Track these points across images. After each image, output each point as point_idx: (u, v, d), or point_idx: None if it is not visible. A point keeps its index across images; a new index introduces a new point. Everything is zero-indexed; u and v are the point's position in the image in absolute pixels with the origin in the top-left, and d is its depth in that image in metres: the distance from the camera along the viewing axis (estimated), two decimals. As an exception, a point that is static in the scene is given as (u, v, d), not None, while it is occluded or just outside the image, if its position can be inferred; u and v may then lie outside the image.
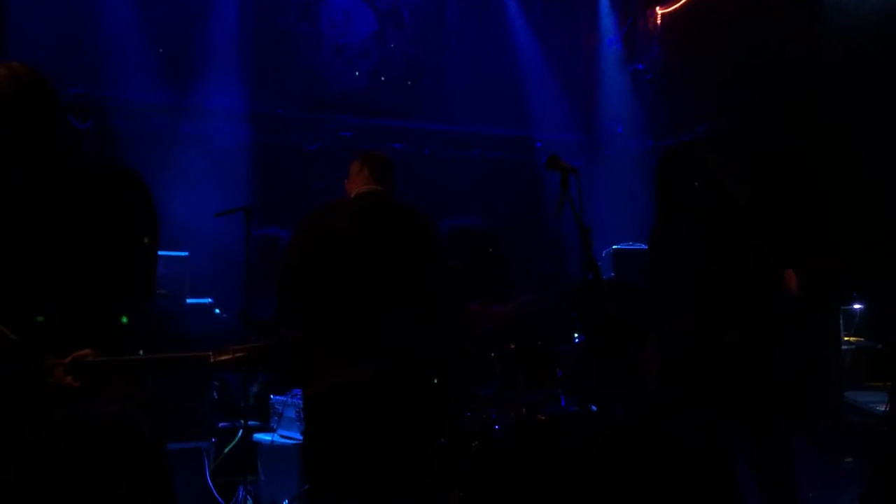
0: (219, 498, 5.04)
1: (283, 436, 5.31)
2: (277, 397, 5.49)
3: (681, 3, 7.37)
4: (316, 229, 3.57)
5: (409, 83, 7.63)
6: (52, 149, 2.74)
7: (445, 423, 3.44)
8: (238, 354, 2.68)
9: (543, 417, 4.68)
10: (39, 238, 2.67)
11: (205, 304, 5.53)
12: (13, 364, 2.56)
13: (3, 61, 2.70)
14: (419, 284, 3.47)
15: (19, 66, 2.68)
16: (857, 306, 5.87)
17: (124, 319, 2.73)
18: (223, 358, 2.68)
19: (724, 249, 3.78)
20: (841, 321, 5.97)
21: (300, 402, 5.22)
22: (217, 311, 5.53)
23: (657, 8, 7.63)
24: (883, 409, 5.35)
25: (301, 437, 4.95)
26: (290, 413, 5.34)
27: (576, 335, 5.44)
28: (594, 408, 4.77)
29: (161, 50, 6.62)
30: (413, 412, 3.36)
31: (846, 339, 5.96)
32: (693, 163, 3.92)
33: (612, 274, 6.27)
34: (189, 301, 5.45)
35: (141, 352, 2.73)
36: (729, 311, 3.73)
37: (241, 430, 5.10)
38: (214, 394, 5.36)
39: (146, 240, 2.81)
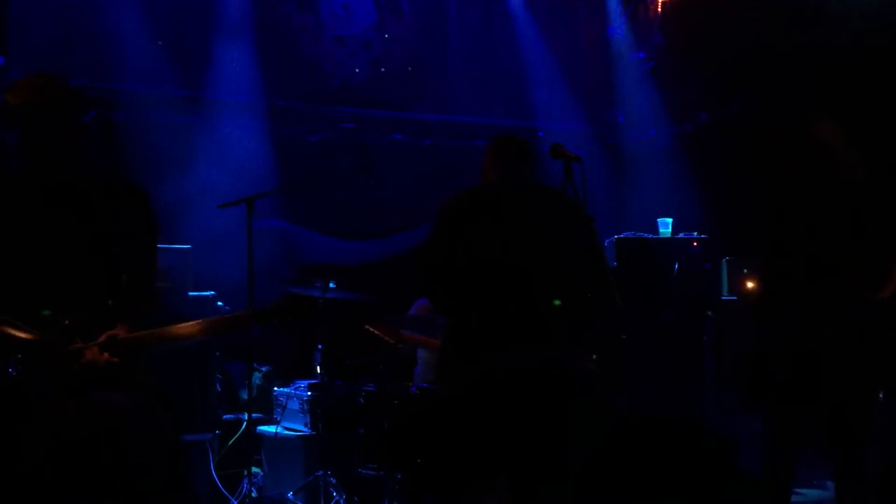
0: (223, 490, 5.04)
1: (286, 427, 5.31)
2: (281, 389, 5.49)
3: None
4: (464, 216, 3.50)
5: (411, 74, 7.60)
6: (73, 155, 2.83)
7: (607, 407, 3.38)
8: (276, 306, 2.87)
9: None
10: (52, 238, 2.75)
11: (207, 297, 5.52)
12: (40, 358, 2.63)
13: (17, 61, 2.87)
14: (574, 267, 3.41)
15: (55, 77, 2.86)
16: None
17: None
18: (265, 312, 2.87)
19: (844, 231, 3.71)
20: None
21: (304, 394, 5.24)
22: (220, 303, 5.52)
23: (658, -5, 7.60)
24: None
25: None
26: (294, 405, 5.35)
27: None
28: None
29: (160, 42, 6.59)
30: (572, 397, 3.30)
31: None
32: (807, 139, 3.85)
33: (615, 263, 6.26)
34: (191, 294, 5.44)
35: None
36: (846, 293, 3.67)
37: (244, 423, 5.10)
38: (218, 386, 5.36)
39: (148, 250, 2.95)
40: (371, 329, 5.11)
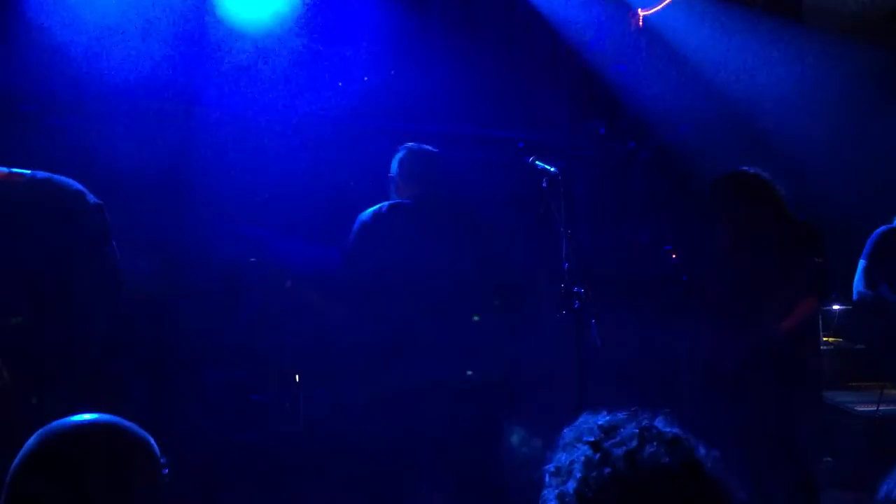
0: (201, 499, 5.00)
1: (263, 435, 5.28)
2: (256, 397, 5.46)
3: (663, 4, 7.40)
4: (380, 233, 3.56)
5: (391, 83, 7.59)
6: None
7: (509, 416, 3.43)
8: None
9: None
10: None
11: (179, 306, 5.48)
12: None
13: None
14: (478, 282, 3.45)
15: None
16: (835, 307, 5.89)
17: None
18: None
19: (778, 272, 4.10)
20: (820, 322, 6.02)
21: (284, 402, 5.20)
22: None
23: (639, 9, 7.65)
24: (861, 409, 5.42)
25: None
26: (272, 413, 5.32)
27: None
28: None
29: (143, 44, 6.51)
30: (477, 408, 3.32)
31: (825, 339, 5.99)
32: (758, 189, 4.19)
33: (593, 272, 6.29)
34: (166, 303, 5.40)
35: None
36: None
37: (222, 430, 5.08)
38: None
39: (98, 248, 2.83)
40: None
